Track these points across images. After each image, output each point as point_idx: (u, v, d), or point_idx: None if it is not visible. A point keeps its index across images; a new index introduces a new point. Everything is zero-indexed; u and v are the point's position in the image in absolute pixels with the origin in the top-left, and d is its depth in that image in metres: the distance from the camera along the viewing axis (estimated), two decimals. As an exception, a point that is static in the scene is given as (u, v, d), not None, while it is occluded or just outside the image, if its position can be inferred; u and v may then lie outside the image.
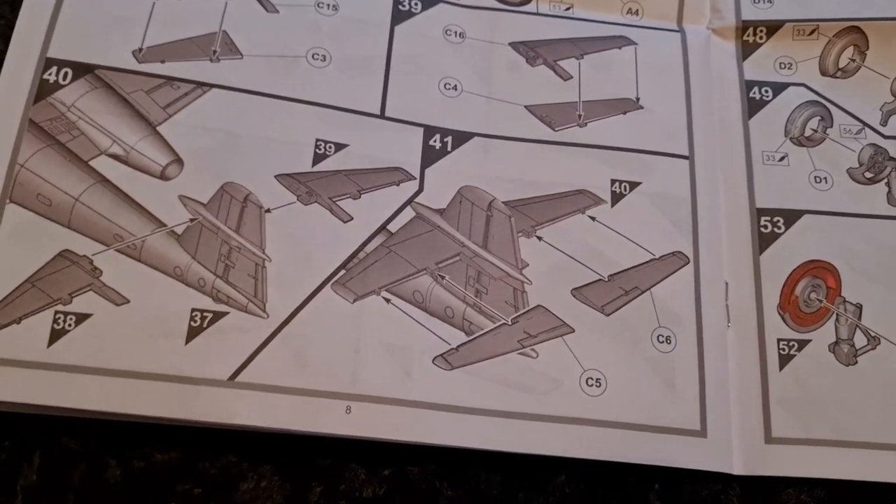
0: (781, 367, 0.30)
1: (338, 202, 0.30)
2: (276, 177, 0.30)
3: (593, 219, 0.32)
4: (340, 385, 0.28)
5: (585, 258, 0.31)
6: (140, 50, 0.31)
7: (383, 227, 0.30)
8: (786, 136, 0.34)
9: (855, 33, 0.35)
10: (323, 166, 0.31)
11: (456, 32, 0.34)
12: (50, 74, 0.30)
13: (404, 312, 0.29)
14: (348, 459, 0.29)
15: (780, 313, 0.31)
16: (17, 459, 0.27)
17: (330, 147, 0.31)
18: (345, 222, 0.30)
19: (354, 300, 0.29)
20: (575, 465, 0.29)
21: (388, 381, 0.28)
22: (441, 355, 0.29)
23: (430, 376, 0.28)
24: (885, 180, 0.33)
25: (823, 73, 0.35)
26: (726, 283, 0.31)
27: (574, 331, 0.30)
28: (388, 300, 0.29)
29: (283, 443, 0.28)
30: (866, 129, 0.34)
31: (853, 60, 0.35)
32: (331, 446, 0.28)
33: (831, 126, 0.34)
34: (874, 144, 0.34)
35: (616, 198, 0.32)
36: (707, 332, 0.30)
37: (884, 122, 0.34)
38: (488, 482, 0.29)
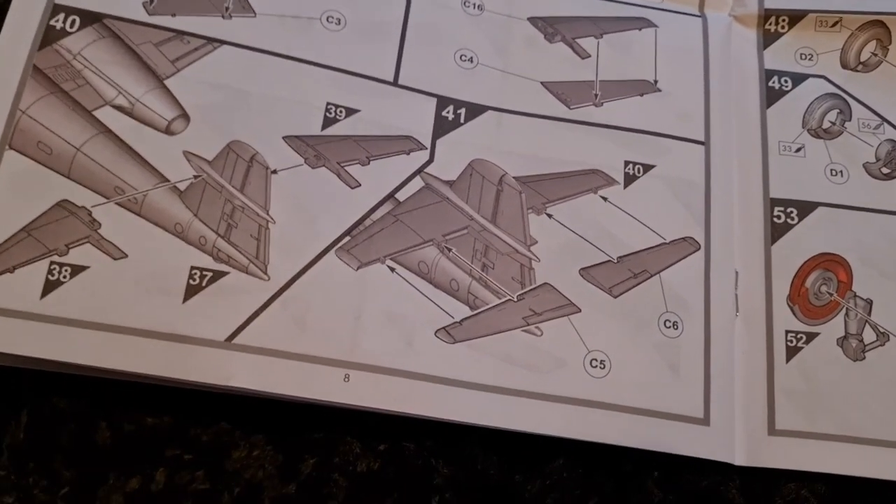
0: (788, 359, 0.30)
1: (346, 167, 0.30)
2: (284, 138, 0.29)
3: (605, 199, 0.31)
4: (340, 352, 0.27)
5: (595, 238, 0.30)
6: (151, 2, 0.30)
7: (391, 196, 0.30)
8: (803, 127, 0.33)
9: (878, 27, 0.35)
10: (332, 130, 0.30)
11: (475, 4, 0.33)
12: (57, 21, 0.29)
13: (408, 282, 0.28)
14: (343, 432, 0.28)
15: (789, 305, 0.30)
16: (4, 416, 0.27)
17: (341, 111, 0.30)
18: (352, 188, 0.29)
19: (358, 267, 0.28)
20: (573, 449, 0.28)
21: (389, 351, 0.27)
22: (444, 328, 0.28)
23: (431, 348, 0.28)
24: (902, 177, 0.33)
25: (844, 65, 0.35)
26: (736, 272, 0.31)
27: (580, 311, 0.29)
28: (392, 269, 0.29)
29: (278, 412, 0.27)
30: (885, 124, 0.34)
31: (875, 55, 0.35)
32: (326, 418, 0.28)
33: (850, 120, 0.34)
34: (892, 140, 0.33)
35: (629, 179, 0.31)
36: (715, 319, 0.30)
37: (902, 119, 0.34)
38: (485, 462, 0.28)
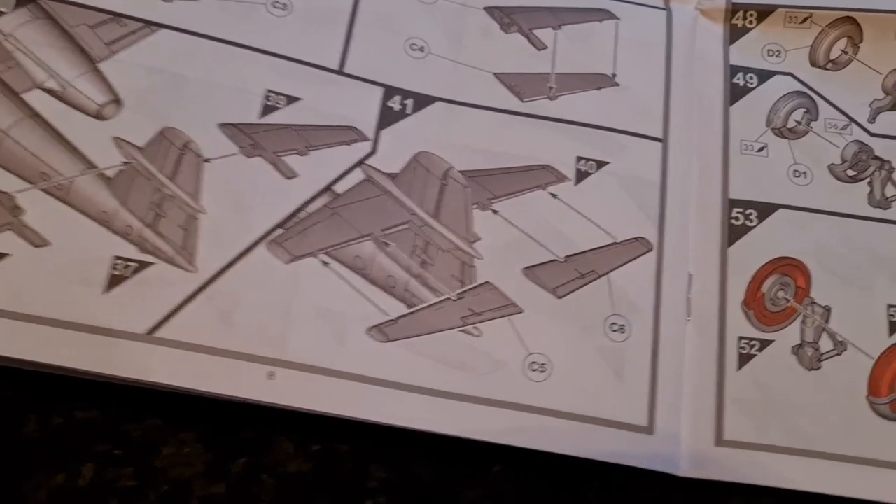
0: (740, 367, 0.28)
1: (283, 157, 0.29)
2: (219, 126, 0.28)
3: (554, 196, 0.30)
4: (266, 349, 0.26)
5: (542, 236, 0.29)
6: (89, -17, 0.29)
7: (329, 188, 0.28)
8: (767, 126, 0.32)
9: (849, 24, 0.34)
10: (271, 119, 0.29)
11: (429, -9, 0.33)
12: (-10, 0, 0.28)
13: (342, 278, 0.27)
14: (277, 431, 0.27)
15: (744, 310, 0.29)
16: (-75, 406, 0.26)
17: (281, 99, 0.29)
18: (288, 178, 0.28)
19: (290, 261, 0.27)
20: (513, 455, 0.27)
21: (318, 349, 0.26)
22: (377, 326, 0.27)
23: (363, 347, 0.26)
24: (868, 179, 0.31)
25: (813, 63, 0.33)
26: (690, 275, 0.29)
27: (522, 311, 0.28)
28: (326, 263, 0.27)
29: (212, 408, 0.26)
30: (853, 125, 0.32)
31: (845, 53, 0.33)
32: (261, 416, 0.26)
33: (816, 119, 0.32)
34: (859, 141, 0.32)
35: (581, 176, 0.30)
36: (665, 323, 0.28)
37: (871, 120, 0.32)
38: (421, 466, 0.27)
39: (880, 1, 0.33)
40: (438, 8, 0.32)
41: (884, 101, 0.33)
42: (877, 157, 0.32)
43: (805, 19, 0.34)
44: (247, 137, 0.28)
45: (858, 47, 0.33)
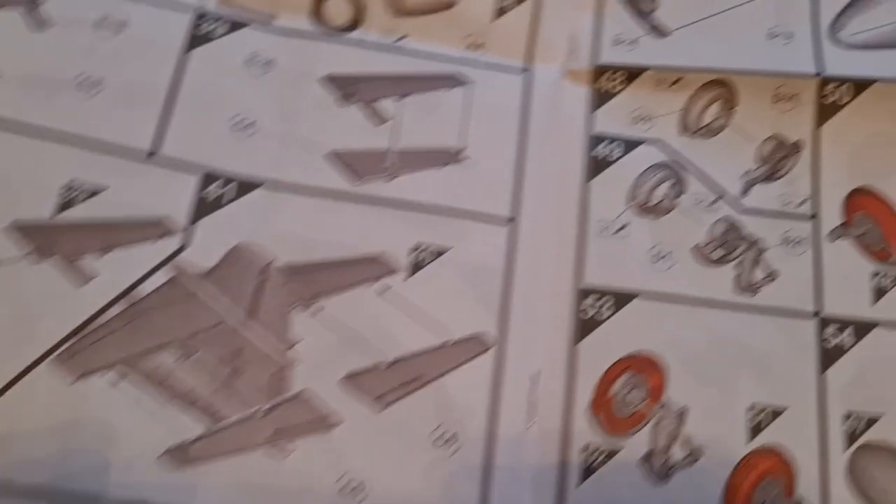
0: (582, 481, 0.26)
1: (78, 260, 0.26)
2: (6, 227, 0.26)
3: (385, 291, 0.27)
4: (44, 480, 0.23)
5: (369, 337, 0.26)
6: None
7: (129, 291, 0.26)
8: (629, 202, 0.29)
9: (724, 87, 0.31)
10: (68, 215, 0.26)
11: (262, 62, 0.30)
12: None
13: (134, 398, 0.25)
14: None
15: (591, 415, 0.27)
16: None
17: (81, 192, 0.27)
18: (83, 285, 0.26)
19: (77, 378, 0.25)
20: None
21: (101, 479, 0.24)
22: (171, 450, 0.24)
23: (152, 475, 0.24)
24: (737, 261, 0.29)
25: (684, 129, 0.30)
26: (533, 376, 0.27)
27: (340, 424, 0.25)
28: (119, 379, 0.25)
29: None
30: (723, 199, 0.29)
31: (719, 118, 0.31)
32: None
33: (684, 193, 0.30)
34: (729, 219, 0.29)
35: (416, 267, 0.28)
36: (502, 433, 0.26)
37: (744, 193, 0.30)
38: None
39: (757, 61, 0.31)
40: (271, 79, 0.29)
41: (758, 172, 0.30)
42: (745, 237, 0.29)
43: (676, 81, 0.31)
44: (36, 238, 0.26)
45: (734, 112, 0.31)
